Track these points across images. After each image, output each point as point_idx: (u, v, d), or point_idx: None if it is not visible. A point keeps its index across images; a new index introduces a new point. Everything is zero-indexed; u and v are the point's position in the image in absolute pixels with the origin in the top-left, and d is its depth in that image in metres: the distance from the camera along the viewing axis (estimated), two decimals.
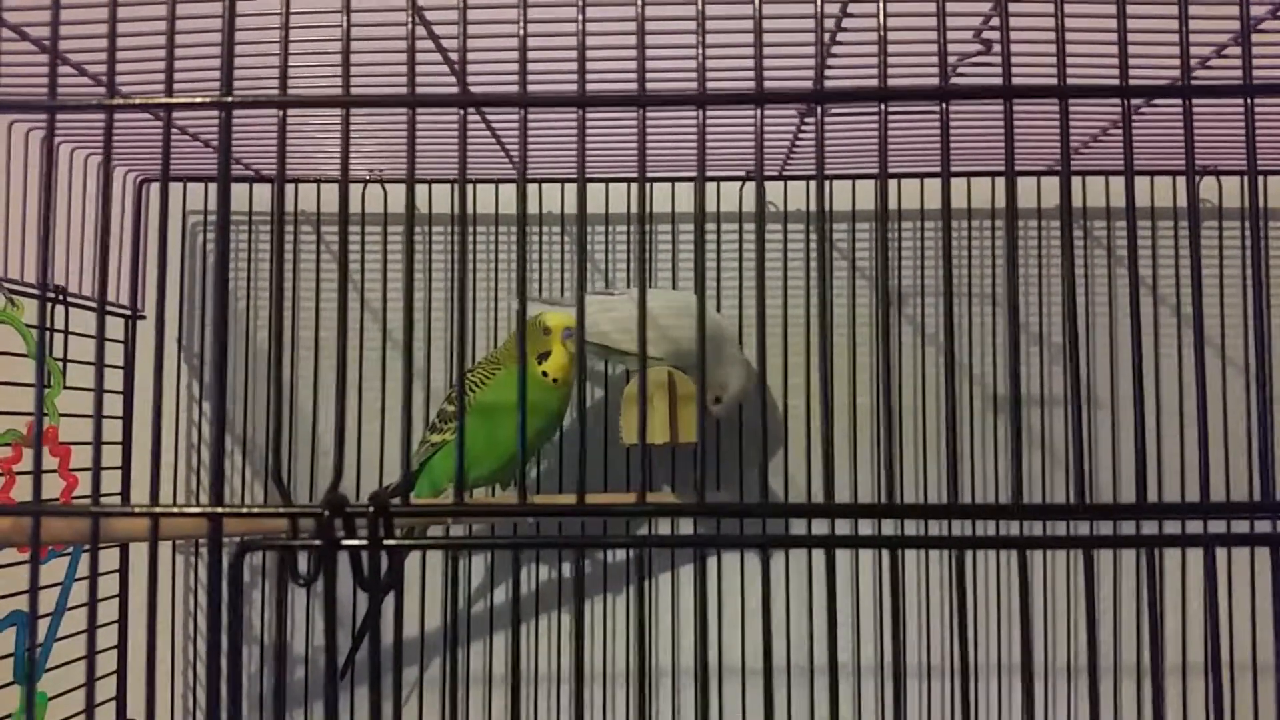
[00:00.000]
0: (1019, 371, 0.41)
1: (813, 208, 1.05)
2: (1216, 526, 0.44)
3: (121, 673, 1.03)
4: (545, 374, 0.90)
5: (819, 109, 0.41)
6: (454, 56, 0.71)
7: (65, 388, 0.93)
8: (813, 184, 1.04)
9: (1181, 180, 1.03)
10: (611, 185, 1.06)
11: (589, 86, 0.43)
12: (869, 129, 0.85)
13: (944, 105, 0.40)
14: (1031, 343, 1.05)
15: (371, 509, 0.41)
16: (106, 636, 1.02)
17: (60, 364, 0.93)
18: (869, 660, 1.03)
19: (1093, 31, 0.57)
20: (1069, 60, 0.45)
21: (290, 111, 0.45)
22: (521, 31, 0.43)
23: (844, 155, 0.94)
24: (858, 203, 1.05)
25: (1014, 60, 0.47)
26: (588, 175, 1.00)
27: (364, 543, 0.41)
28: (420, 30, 0.63)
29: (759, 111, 0.41)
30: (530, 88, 0.43)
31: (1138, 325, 0.41)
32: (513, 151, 0.95)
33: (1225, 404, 1.02)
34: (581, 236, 0.45)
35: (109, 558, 1.03)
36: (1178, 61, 0.69)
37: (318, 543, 0.41)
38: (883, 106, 0.40)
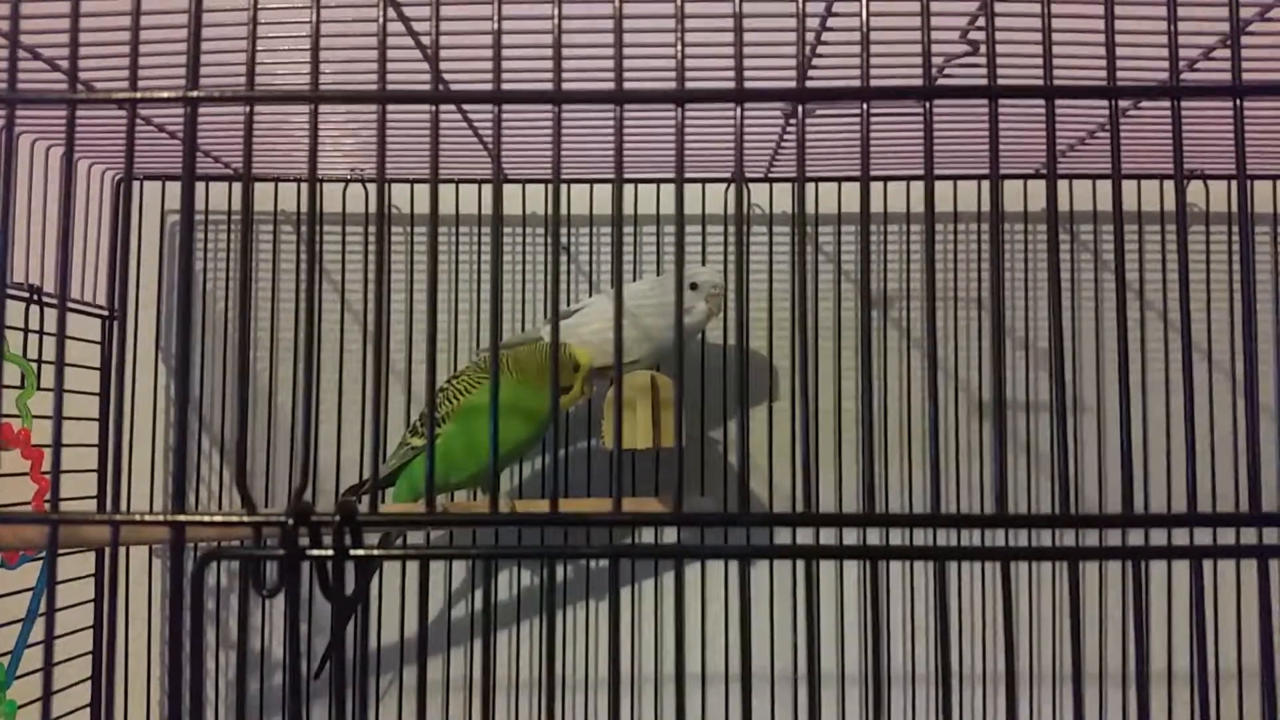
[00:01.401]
0: (1003, 380, 0.40)
1: (797, 210, 1.05)
2: (1203, 536, 0.43)
3: (96, 679, 1.01)
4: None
5: (800, 108, 0.40)
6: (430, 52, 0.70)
7: (39, 389, 0.91)
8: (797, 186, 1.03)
9: (1168, 184, 1.02)
10: (595, 185, 1.05)
11: (567, 85, 0.41)
12: (854, 131, 0.84)
13: (928, 105, 0.39)
14: (1016, 347, 1.05)
15: (337, 518, 0.40)
16: (82, 642, 1.00)
17: (35, 365, 0.91)
18: (852, 668, 1.02)
19: (1079, 33, 0.56)
20: (1054, 62, 0.44)
21: (270, 108, 0.44)
22: (496, 26, 0.42)
23: (829, 157, 0.93)
24: (843, 205, 1.04)
25: (1000, 62, 0.46)
26: (571, 176, 1.00)
27: (329, 553, 0.40)
28: (398, 26, 0.61)
29: (739, 110, 0.40)
30: (510, 85, 0.42)
31: (1124, 335, 0.40)
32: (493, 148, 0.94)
33: (1212, 410, 1.01)
34: (556, 238, 0.44)
35: (84, 561, 1.01)
36: (1162, 64, 0.69)
37: (281, 552, 0.40)
38: (865, 106, 0.39)
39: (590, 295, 1.05)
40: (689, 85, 0.40)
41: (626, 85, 0.40)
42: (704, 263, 1.04)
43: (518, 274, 1.07)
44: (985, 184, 1.03)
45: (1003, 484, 0.39)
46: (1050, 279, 0.39)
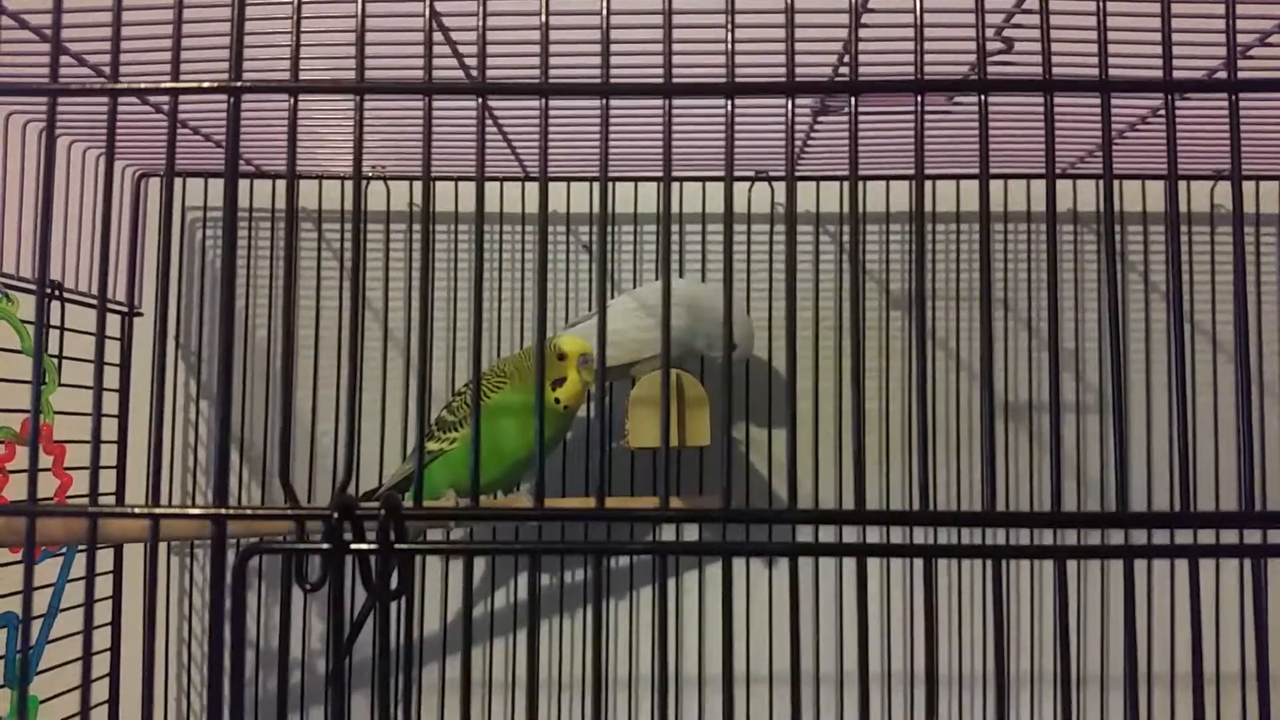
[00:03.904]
0: (1059, 386, 0.39)
1: (824, 209, 1.04)
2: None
3: (115, 676, 1.01)
4: (557, 401, 0.88)
5: (853, 100, 0.39)
6: (465, 52, 0.69)
7: (61, 385, 0.91)
8: (822, 185, 1.03)
9: (1196, 185, 1.02)
10: (617, 184, 1.04)
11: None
12: (877, 129, 0.83)
13: (983, 97, 0.39)
14: (1041, 348, 1.04)
15: (382, 511, 0.40)
16: (100, 639, 1.00)
17: (56, 361, 0.91)
18: (872, 668, 1.01)
19: (1124, 31, 0.55)
20: (1088, 56, 0.43)
21: (286, 103, 0.43)
22: (544, 20, 0.41)
23: (844, 156, 0.92)
24: (867, 204, 1.04)
25: (1028, 60, 0.45)
26: (590, 174, 0.99)
27: (375, 547, 0.39)
28: (416, 21, 0.61)
29: (789, 103, 0.40)
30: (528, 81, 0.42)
31: (1180, 356, 0.40)
32: (519, 149, 0.93)
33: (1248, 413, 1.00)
34: (603, 235, 0.43)
35: (103, 558, 1.01)
36: (1191, 61, 0.68)
37: (326, 546, 0.39)
38: (919, 98, 0.39)
39: (613, 297, 1.04)
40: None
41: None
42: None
43: (532, 274, 1.06)
44: (1011, 182, 1.02)
45: (1058, 487, 0.38)
46: (1108, 281, 0.39)
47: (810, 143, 0.90)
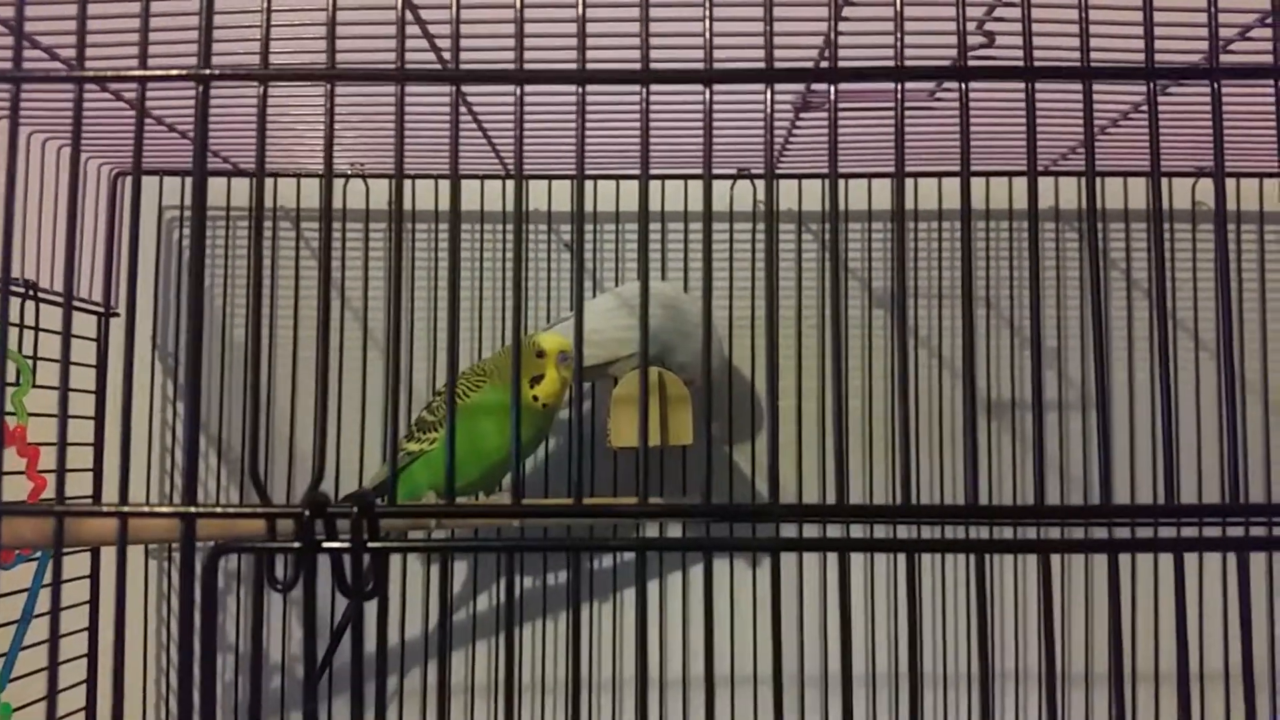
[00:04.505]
0: (1041, 393, 0.39)
1: (807, 207, 1.04)
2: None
3: (91, 682, 1.00)
4: (536, 399, 0.87)
5: (832, 88, 0.39)
6: (442, 46, 0.68)
7: (35, 386, 0.89)
8: (804, 182, 1.03)
9: (1177, 182, 1.02)
10: (600, 183, 1.04)
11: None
12: (859, 127, 0.83)
13: (963, 86, 0.38)
14: (1024, 345, 1.04)
15: (355, 509, 0.39)
16: (76, 645, 0.99)
17: (30, 362, 0.90)
18: (857, 667, 1.01)
19: (1106, 24, 0.55)
20: (1070, 50, 0.43)
21: (269, 100, 0.42)
22: (518, 3, 0.40)
23: (824, 152, 0.92)
24: (850, 202, 1.04)
25: (1014, 51, 0.45)
26: (569, 171, 0.99)
27: (346, 545, 0.38)
28: (390, 15, 0.60)
29: (769, 91, 0.39)
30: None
31: (1164, 352, 0.39)
32: (500, 147, 0.93)
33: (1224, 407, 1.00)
34: (580, 229, 0.43)
35: (79, 562, 0.99)
36: (1175, 56, 0.68)
37: (297, 545, 0.38)
38: (899, 87, 0.38)
39: (595, 296, 1.04)
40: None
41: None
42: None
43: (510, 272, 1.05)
44: (993, 180, 1.02)
45: (1041, 482, 0.38)
46: (1090, 278, 0.38)
47: (792, 141, 0.89)
